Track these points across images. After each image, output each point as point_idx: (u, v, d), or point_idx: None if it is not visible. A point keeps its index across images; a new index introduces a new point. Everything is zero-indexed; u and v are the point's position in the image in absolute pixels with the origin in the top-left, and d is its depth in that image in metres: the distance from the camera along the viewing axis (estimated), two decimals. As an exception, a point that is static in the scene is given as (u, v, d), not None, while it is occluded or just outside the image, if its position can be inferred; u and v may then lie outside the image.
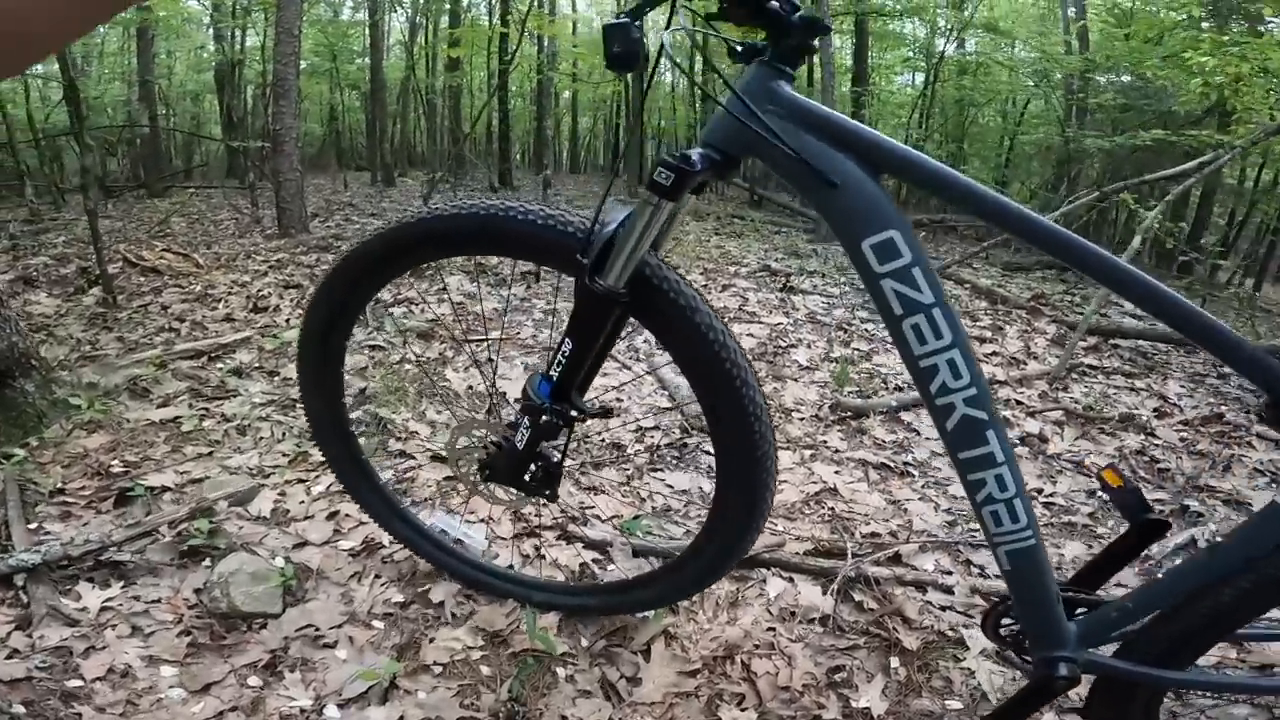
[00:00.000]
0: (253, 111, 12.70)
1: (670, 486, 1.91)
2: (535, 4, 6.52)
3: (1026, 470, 2.21)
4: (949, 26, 11.74)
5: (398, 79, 13.87)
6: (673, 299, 1.02)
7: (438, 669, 1.24)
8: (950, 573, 1.65)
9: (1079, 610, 0.94)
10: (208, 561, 1.44)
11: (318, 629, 1.30)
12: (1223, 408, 2.89)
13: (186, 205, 7.02)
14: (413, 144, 16.69)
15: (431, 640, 1.29)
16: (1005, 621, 1.02)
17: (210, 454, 1.86)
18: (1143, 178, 4.85)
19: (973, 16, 11.20)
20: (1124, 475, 0.92)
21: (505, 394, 2.36)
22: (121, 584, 1.36)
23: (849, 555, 1.63)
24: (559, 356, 1.03)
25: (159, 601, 1.33)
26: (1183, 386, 3.16)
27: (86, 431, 1.92)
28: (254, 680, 1.18)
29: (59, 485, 1.66)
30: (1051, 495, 2.05)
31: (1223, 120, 8.26)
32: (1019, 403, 2.77)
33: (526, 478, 1.13)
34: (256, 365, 2.53)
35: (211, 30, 12.08)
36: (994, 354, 3.49)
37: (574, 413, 1.06)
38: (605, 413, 1.16)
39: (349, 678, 1.19)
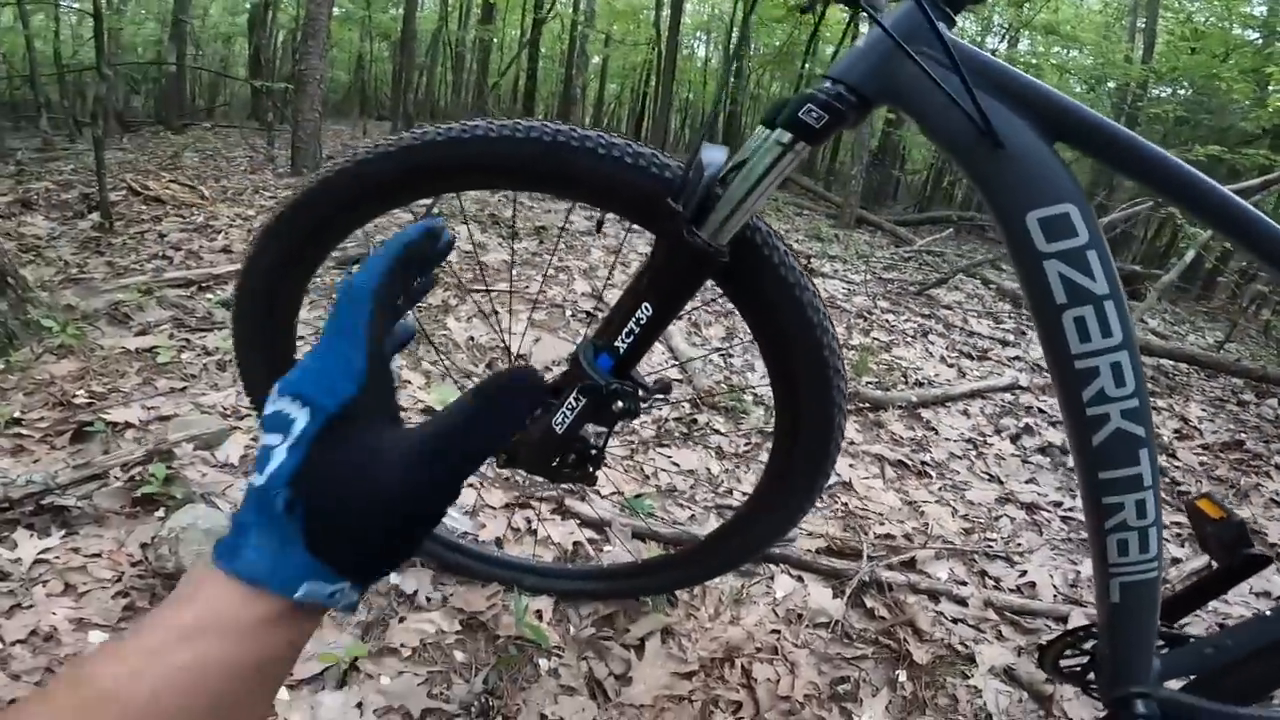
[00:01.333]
0: (281, 56, 12.53)
1: (676, 465, 1.78)
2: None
3: (1047, 482, 2.10)
4: (1006, 24, 11.44)
5: (429, 31, 13.64)
6: (781, 272, 0.86)
7: (406, 652, 1.11)
8: (965, 583, 1.55)
9: (1160, 646, 0.84)
10: (160, 512, 1.30)
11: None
12: (1242, 435, 2.81)
13: (203, 142, 6.87)
14: (437, 97, 16.48)
15: (402, 620, 1.17)
16: (1069, 654, 0.90)
17: (184, 389, 1.73)
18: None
19: (1033, 17, 10.88)
20: (1225, 505, 0.80)
21: (525, 358, 2.23)
22: (63, 533, 1.23)
23: (864, 557, 1.52)
24: (631, 324, 0.83)
25: (99, 556, 1.20)
26: (1204, 410, 3.06)
27: (56, 357, 1.80)
28: (199, 648, 1.07)
29: (16, 415, 1.53)
30: (1071, 509, 1.94)
31: (1275, 141, 8.06)
32: (1041, 410, 2.65)
33: (557, 463, 0.90)
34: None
35: (251, -28, 11.84)
36: (1016, 358, 3.36)
37: (640, 392, 0.85)
38: (666, 388, 0.94)
39: (304, 657, 1.07)
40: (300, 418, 0.39)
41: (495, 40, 13.21)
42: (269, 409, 0.39)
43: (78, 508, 1.27)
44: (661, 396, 0.94)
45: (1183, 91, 10.51)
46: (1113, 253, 0.71)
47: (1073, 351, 0.71)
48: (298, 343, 1.08)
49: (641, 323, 0.82)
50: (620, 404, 0.83)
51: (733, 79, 14.58)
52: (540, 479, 1.03)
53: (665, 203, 0.79)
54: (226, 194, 4.14)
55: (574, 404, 0.84)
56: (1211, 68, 9.21)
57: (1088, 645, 0.89)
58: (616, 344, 0.84)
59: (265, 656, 0.37)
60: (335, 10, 6.75)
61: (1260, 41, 9.28)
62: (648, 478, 1.72)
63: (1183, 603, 0.86)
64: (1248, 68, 8.81)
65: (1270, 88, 6.62)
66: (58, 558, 1.18)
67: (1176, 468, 2.40)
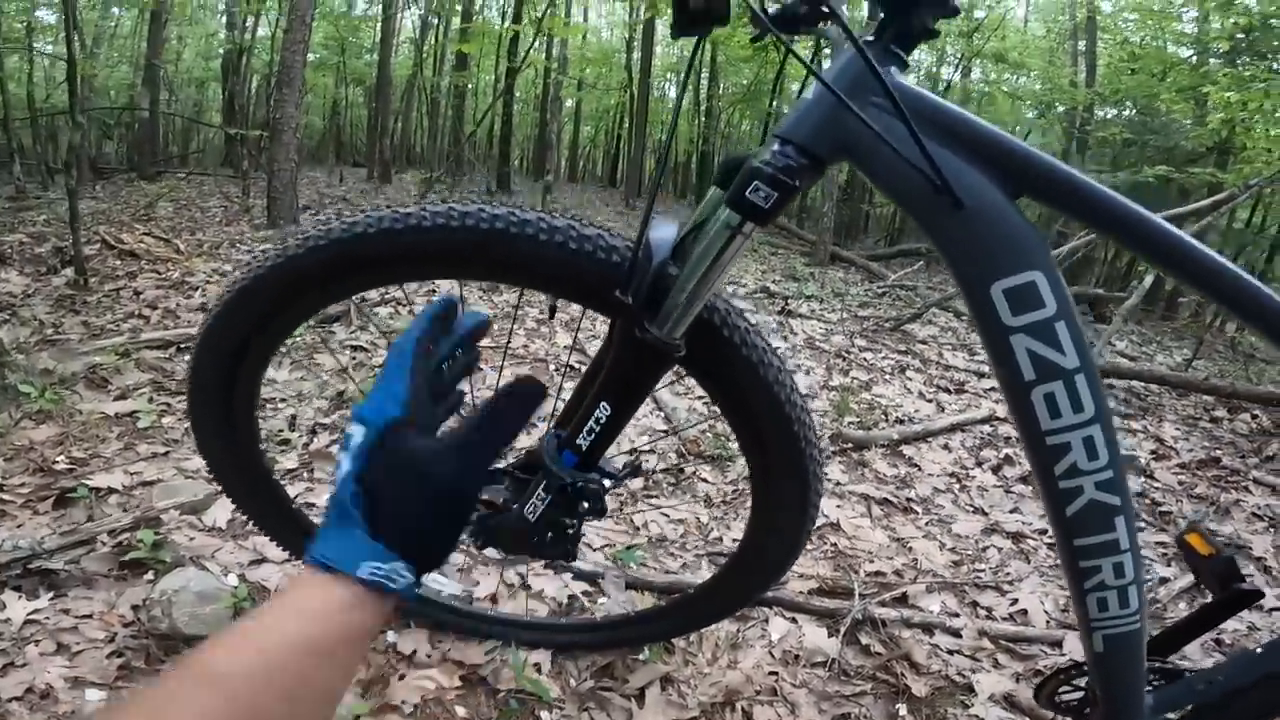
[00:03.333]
0: (255, 102, 12.57)
1: (666, 515, 1.79)
2: (551, 6, 6.43)
3: (1030, 510, 2.13)
4: (958, 55, 11.87)
5: (404, 76, 13.81)
6: (743, 354, 0.84)
7: (408, 709, 1.10)
8: (957, 614, 1.56)
9: (1154, 680, 0.86)
10: (150, 575, 1.29)
11: (273, 657, 1.16)
12: (1218, 452, 2.87)
13: (177, 190, 6.86)
14: (413, 143, 16.60)
15: (402, 678, 1.16)
16: (1064, 690, 0.92)
17: (166, 454, 1.72)
18: (1168, 212, 4.83)
19: (982, 46, 11.32)
20: (1212, 540, 0.83)
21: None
22: (51, 595, 1.22)
23: (855, 595, 1.53)
24: (590, 422, 0.81)
25: (90, 617, 1.19)
26: (1178, 430, 3.13)
27: (35, 422, 1.78)
28: (196, 713, 1.05)
29: None
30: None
31: (1220, 159, 8.38)
32: (1020, 439, 2.69)
33: (535, 542, 0.90)
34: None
35: (224, 17, 11.94)
36: (992, 389, 3.43)
37: (606, 482, 0.85)
38: (636, 471, 0.94)
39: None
40: (358, 434, 0.53)
41: (470, 87, 13.39)
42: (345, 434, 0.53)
43: (65, 571, 1.26)
44: (631, 477, 0.94)
45: (1127, 113, 10.87)
46: (1075, 277, 0.70)
47: (1043, 428, 0.68)
48: (260, 422, 1.06)
49: (601, 421, 0.81)
50: (585, 504, 0.82)
51: (702, 119, 14.92)
52: (518, 557, 1.03)
53: (613, 296, 0.74)
54: (202, 248, 4.12)
55: (543, 496, 0.83)
56: (1151, 88, 9.53)
57: (1081, 682, 0.91)
58: (578, 442, 0.82)
59: (341, 637, 0.46)
60: (310, 56, 6.85)
61: (1194, 59, 9.67)
62: (638, 529, 1.72)
63: (1175, 637, 0.87)
64: (1185, 86, 9.10)
65: (1210, 105, 6.92)
66: (48, 618, 1.17)
67: (1156, 488, 2.45)
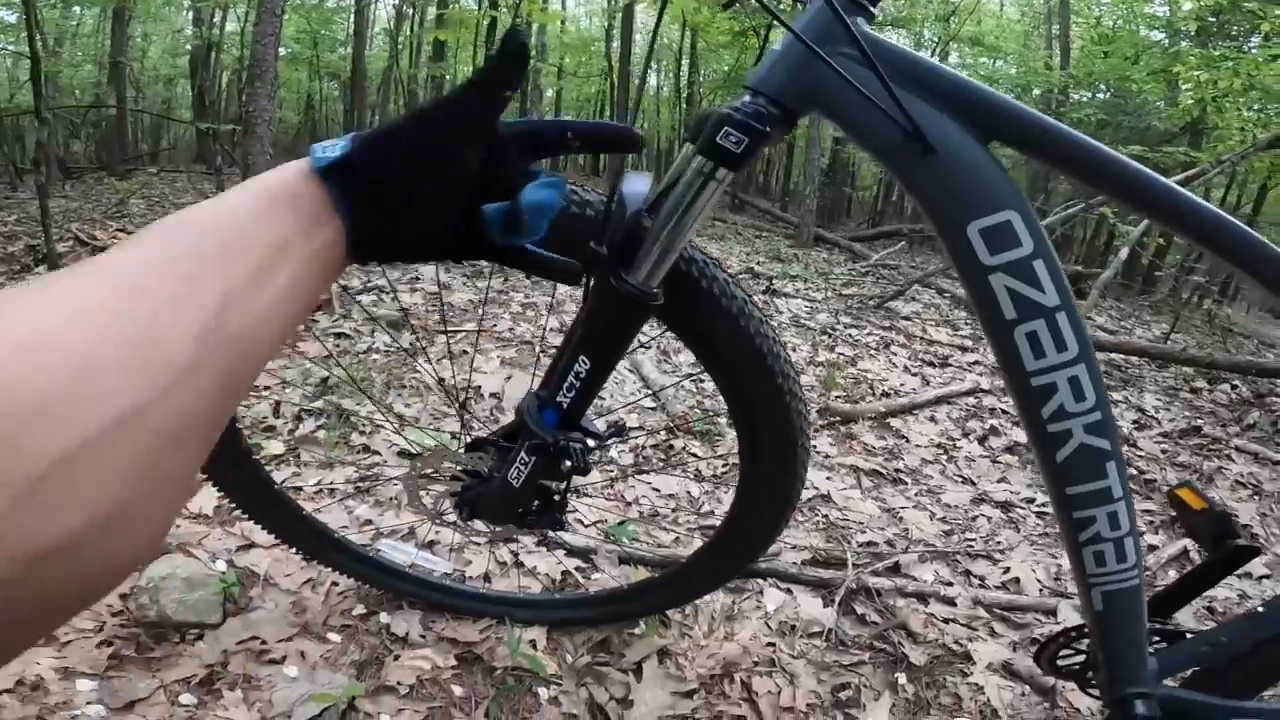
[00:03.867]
0: (226, 97, 12.34)
1: (657, 490, 1.79)
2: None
3: (1017, 480, 2.15)
4: (935, 39, 11.91)
5: (380, 69, 13.62)
6: (723, 304, 0.83)
7: (404, 690, 1.09)
8: (951, 583, 1.58)
9: (1155, 641, 0.86)
10: None
11: (264, 642, 1.14)
12: (1199, 421, 2.91)
13: (149, 187, 6.72)
14: (390, 136, 16.37)
15: (396, 658, 1.15)
16: (1065, 654, 0.92)
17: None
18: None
19: (958, 30, 11.37)
20: (1205, 495, 0.82)
21: (499, 395, 2.22)
22: None
23: (849, 565, 1.54)
24: (570, 378, 0.80)
25: None
26: (1159, 400, 3.17)
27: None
28: (187, 698, 1.03)
29: None
30: (1044, 505, 1.99)
31: (1194, 139, 8.49)
32: (1004, 411, 2.72)
33: (520, 512, 0.91)
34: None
35: (190, 13, 11.68)
36: (976, 363, 3.45)
37: (590, 442, 0.84)
38: (619, 431, 0.94)
39: (299, 698, 1.04)
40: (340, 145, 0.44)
41: (448, 78, 13.24)
42: None
43: None
44: (616, 440, 0.94)
45: (1101, 95, 11.00)
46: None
47: (1028, 369, 0.68)
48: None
49: (581, 376, 0.80)
50: (568, 463, 0.81)
51: (684, 106, 14.85)
52: (506, 528, 1.01)
53: (588, 247, 0.72)
54: (179, 241, 4.05)
55: (525, 459, 0.83)
56: (1124, 70, 9.67)
57: (1083, 644, 0.91)
58: (559, 399, 0.81)
59: (277, 211, 0.39)
60: (282, 50, 6.71)
61: (1166, 42, 9.77)
62: (629, 504, 1.72)
63: (1173, 597, 0.86)
64: (1156, 69, 9.23)
65: (1181, 86, 7.00)
66: None
67: (1140, 456, 2.48)
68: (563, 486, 0.88)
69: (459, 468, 0.96)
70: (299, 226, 0.39)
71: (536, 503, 0.89)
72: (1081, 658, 0.93)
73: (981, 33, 12.35)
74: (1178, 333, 4.90)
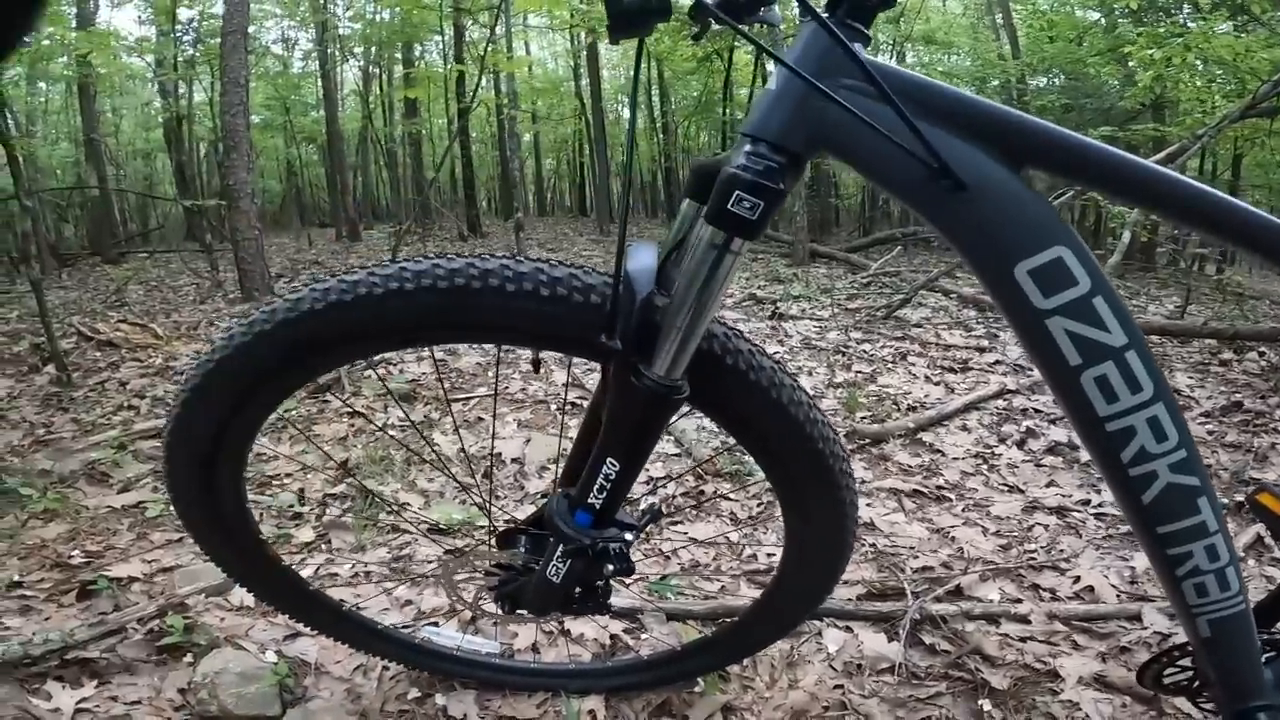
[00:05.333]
0: (207, 169, 12.45)
1: (694, 539, 1.74)
2: (491, 40, 6.44)
3: (1067, 482, 2.09)
4: (890, 40, 12.09)
5: (355, 130, 13.79)
6: (751, 378, 0.76)
7: (469, 776, 1.05)
8: (1020, 600, 1.52)
9: (1267, 652, 0.81)
10: (189, 658, 1.26)
11: (325, 735, 1.11)
12: (1237, 395, 2.85)
13: (143, 272, 6.76)
14: (376, 196, 16.56)
15: (458, 742, 1.10)
16: (1170, 671, 0.87)
17: (180, 540, 1.66)
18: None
19: (911, 31, 11.56)
20: None
21: (521, 460, 2.17)
22: (95, 682, 1.20)
23: (908, 594, 1.48)
24: (600, 480, 0.74)
25: (140, 703, 1.16)
26: (1191, 378, 3.12)
27: (42, 521, 1.75)
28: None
29: (16, 579, 1.49)
30: (1100, 505, 1.93)
31: (1157, 115, 8.55)
32: (1038, 411, 2.67)
33: (565, 599, 0.85)
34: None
35: (156, 86, 11.81)
36: (997, 363, 3.41)
37: (627, 536, 0.78)
38: (656, 516, 0.88)
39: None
40: None
41: (424, 132, 13.40)
42: None
43: (104, 659, 1.25)
44: (653, 523, 0.89)
45: (1056, 81, 11.11)
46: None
47: (1101, 415, 0.63)
48: (255, 517, 1.00)
49: (611, 478, 0.74)
50: (611, 566, 0.77)
51: (660, 136, 15.02)
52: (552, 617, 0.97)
53: (599, 342, 0.66)
54: (180, 330, 4.05)
55: (561, 560, 0.78)
56: (1073, 53, 9.77)
57: (1187, 661, 0.86)
58: (590, 501, 0.76)
59: None
60: (255, 118, 6.77)
61: (1103, 21, 9.89)
62: (668, 558, 1.67)
63: (1276, 606, 0.83)
64: (1102, 49, 9.32)
65: (1132, 64, 7.07)
66: (98, 706, 1.15)
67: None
68: (604, 582, 0.84)
69: (491, 563, 0.92)
70: None
71: (580, 590, 0.84)
72: (1189, 674, 0.89)
73: (931, 29, 12.53)
74: (1191, 304, 4.86)
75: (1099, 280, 0.60)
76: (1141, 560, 1.63)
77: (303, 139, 14.46)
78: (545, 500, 0.85)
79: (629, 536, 0.78)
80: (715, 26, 0.65)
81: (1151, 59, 6.19)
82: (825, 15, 0.59)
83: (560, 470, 0.89)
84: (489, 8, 8.06)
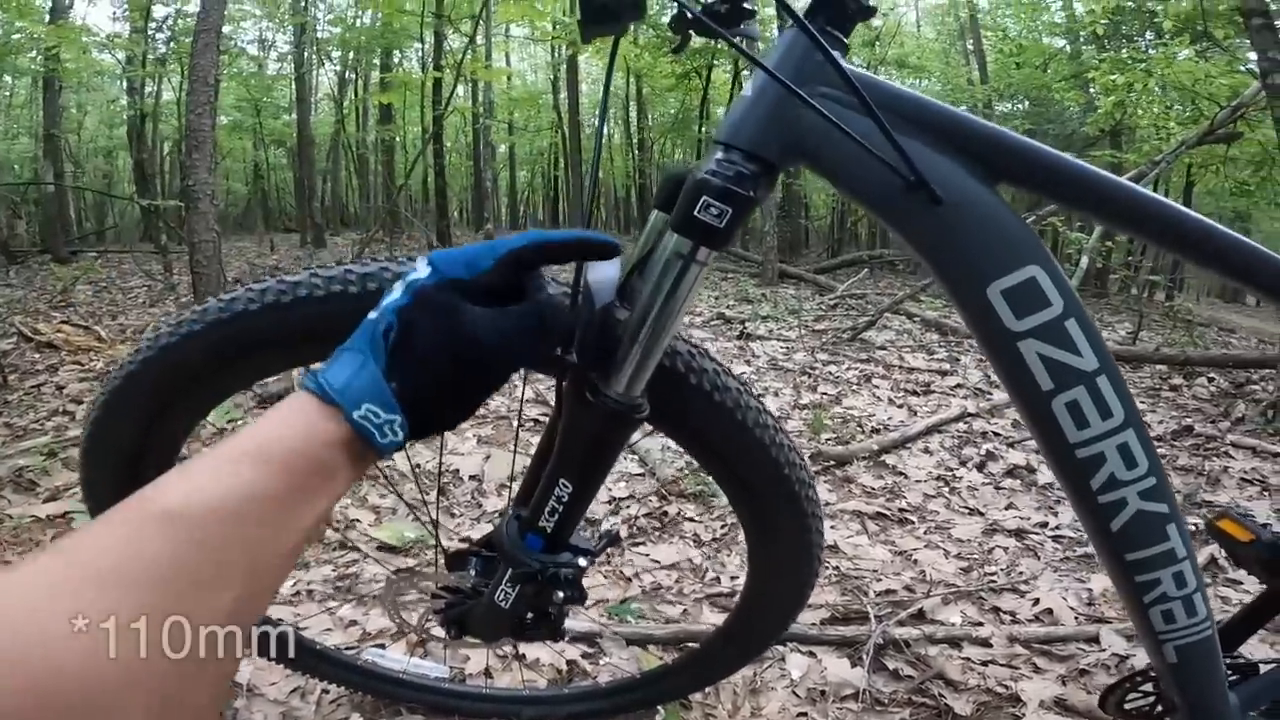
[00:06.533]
0: (169, 170, 12.15)
1: (656, 562, 1.69)
2: (470, 48, 6.40)
3: (1025, 505, 2.10)
4: (865, 64, 12.38)
5: (327, 135, 13.60)
6: (715, 399, 0.73)
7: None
8: (981, 623, 1.50)
9: (1230, 676, 0.80)
10: None
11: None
12: (1188, 420, 2.91)
13: (93, 272, 6.51)
14: (344, 203, 16.33)
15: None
16: (1133, 697, 0.86)
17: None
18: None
19: (885, 54, 11.85)
20: (1248, 522, 0.77)
21: (479, 477, 2.11)
22: None
23: (871, 619, 1.46)
24: (552, 503, 0.71)
25: None
26: (1143, 403, 3.18)
27: (-41, 533, 1.63)
28: None
29: None
30: (1058, 528, 1.94)
31: (1114, 141, 8.86)
32: (996, 434, 2.69)
33: (515, 625, 0.80)
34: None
35: (124, 83, 11.53)
36: (958, 386, 3.44)
37: (581, 561, 0.74)
38: (614, 540, 0.84)
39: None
40: (422, 271, 0.51)
41: (398, 139, 13.26)
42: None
43: None
44: (609, 548, 0.85)
45: (1021, 106, 11.50)
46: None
47: (1071, 441, 0.62)
48: None
49: (564, 500, 0.70)
50: (561, 594, 0.72)
51: (635, 152, 15.10)
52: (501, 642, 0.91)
53: (554, 355, 0.61)
54: (126, 333, 3.91)
55: (510, 585, 0.73)
56: (1039, 79, 10.15)
57: (1149, 687, 0.85)
58: (542, 524, 0.72)
59: (312, 486, 0.42)
60: (223, 119, 6.64)
61: (1068, 48, 10.29)
62: (629, 580, 1.62)
63: (1238, 629, 0.83)
64: (1067, 75, 9.69)
65: (1093, 90, 7.35)
66: None
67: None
68: (556, 609, 0.78)
69: (439, 585, 0.86)
70: (334, 489, 0.44)
71: (530, 616, 0.78)
72: (1152, 699, 0.87)
73: (905, 54, 12.85)
74: (1143, 330, 4.98)
75: (1072, 302, 0.59)
76: (1098, 582, 1.64)
77: (272, 142, 14.21)
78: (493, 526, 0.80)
79: (582, 562, 0.73)
80: (695, 41, 0.63)
81: (1114, 84, 6.41)
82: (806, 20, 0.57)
83: (515, 490, 0.83)
84: (471, 17, 8.04)
